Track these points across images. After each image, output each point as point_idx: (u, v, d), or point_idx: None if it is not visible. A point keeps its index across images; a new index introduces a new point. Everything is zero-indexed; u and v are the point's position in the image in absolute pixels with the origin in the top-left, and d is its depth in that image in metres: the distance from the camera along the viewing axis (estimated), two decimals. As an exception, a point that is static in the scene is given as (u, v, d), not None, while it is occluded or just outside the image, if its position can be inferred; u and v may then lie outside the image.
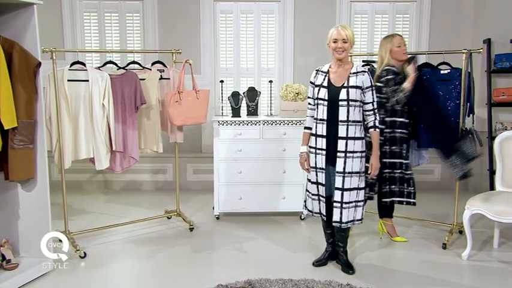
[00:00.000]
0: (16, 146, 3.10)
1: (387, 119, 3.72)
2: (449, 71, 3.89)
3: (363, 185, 3.26)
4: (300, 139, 3.41)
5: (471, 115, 3.92)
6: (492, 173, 5.06)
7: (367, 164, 3.30)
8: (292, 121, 4.42)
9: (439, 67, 3.98)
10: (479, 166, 5.42)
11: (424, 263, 3.57)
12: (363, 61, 4.36)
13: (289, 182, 4.48)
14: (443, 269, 3.45)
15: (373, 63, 4.29)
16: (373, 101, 3.18)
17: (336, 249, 3.45)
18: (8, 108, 2.99)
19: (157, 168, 5.79)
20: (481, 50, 3.83)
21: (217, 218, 4.58)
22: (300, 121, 4.35)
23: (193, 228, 4.26)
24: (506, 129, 5.03)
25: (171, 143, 4.46)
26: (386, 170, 3.79)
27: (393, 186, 3.83)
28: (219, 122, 4.46)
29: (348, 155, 3.15)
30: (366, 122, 3.24)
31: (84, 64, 3.76)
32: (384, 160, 3.71)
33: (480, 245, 3.88)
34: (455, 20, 5.61)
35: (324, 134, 3.21)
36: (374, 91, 3.19)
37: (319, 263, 3.49)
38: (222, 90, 4.81)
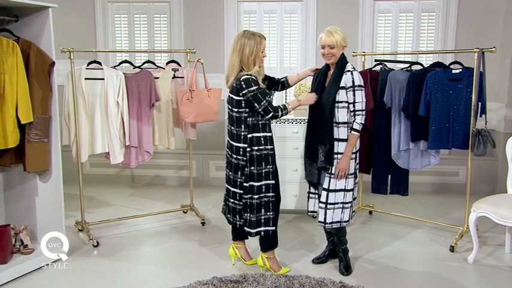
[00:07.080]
0: (32, 139, 3.35)
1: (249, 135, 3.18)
2: (460, 70, 3.79)
3: (350, 186, 3.20)
4: None
5: (483, 115, 3.80)
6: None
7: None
8: (304, 120, 4.44)
9: (451, 66, 3.89)
10: (506, 168, 5.22)
11: (427, 265, 3.52)
12: (375, 60, 4.31)
13: (301, 180, 4.49)
14: (446, 272, 3.40)
15: (385, 63, 4.26)
16: (354, 102, 3.10)
17: (336, 249, 3.46)
18: (25, 104, 3.24)
19: (181, 164, 5.97)
20: (493, 49, 3.71)
21: (231, 214, 4.69)
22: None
23: (204, 222, 4.39)
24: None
25: (193, 140, 4.59)
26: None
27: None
28: (232, 119, 4.54)
29: (334, 156, 3.16)
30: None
31: (100, 63, 3.97)
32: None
33: (492, 249, 3.77)
34: (485, 17, 5.38)
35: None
36: (357, 92, 3.09)
37: (319, 260, 3.52)
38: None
